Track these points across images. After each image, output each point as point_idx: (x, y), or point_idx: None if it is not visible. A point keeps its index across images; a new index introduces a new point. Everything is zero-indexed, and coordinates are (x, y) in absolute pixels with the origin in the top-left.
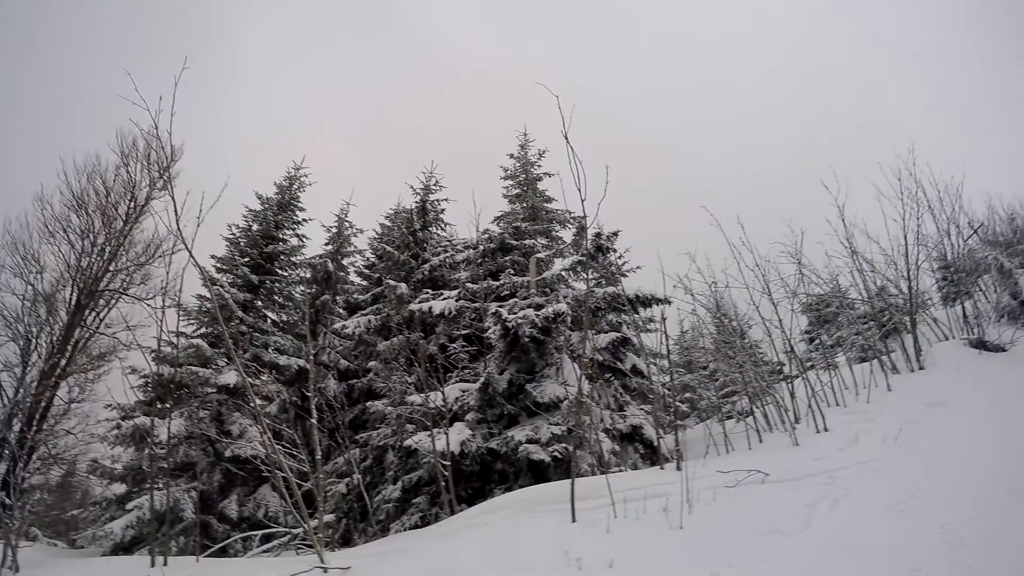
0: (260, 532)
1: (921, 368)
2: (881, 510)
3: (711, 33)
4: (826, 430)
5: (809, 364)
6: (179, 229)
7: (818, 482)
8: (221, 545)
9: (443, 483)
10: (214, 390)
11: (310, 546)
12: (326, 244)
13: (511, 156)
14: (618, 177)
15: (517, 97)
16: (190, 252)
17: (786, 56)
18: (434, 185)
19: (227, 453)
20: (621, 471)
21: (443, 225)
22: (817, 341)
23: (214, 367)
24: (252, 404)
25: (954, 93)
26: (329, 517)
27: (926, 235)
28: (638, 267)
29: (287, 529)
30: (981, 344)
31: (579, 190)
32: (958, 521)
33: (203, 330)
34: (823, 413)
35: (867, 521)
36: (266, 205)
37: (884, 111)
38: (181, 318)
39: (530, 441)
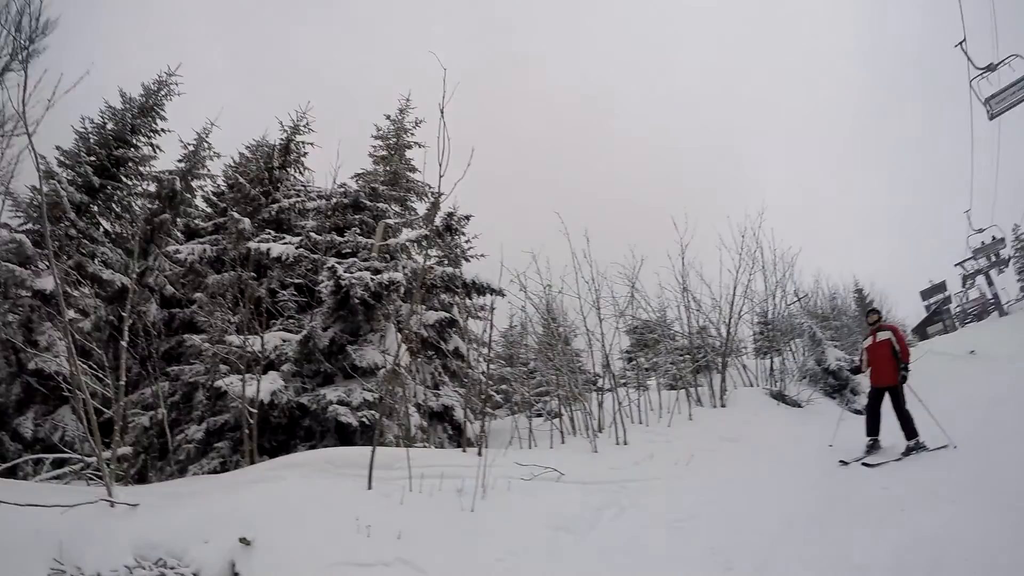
0: (53, 456)
1: (723, 405)
2: (662, 524)
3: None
4: (626, 444)
5: (623, 381)
6: (24, 109)
7: (610, 490)
8: (10, 465)
9: (248, 431)
10: (28, 294)
11: (101, 477)
12: (179, 161)
13: (387, 117)
14: (495, 168)
15: (419, 62)
16: (29, 137)
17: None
18: (304, 126)
19: (31, 365)
20: (425, 447)
21: (302, 169)
22: (634, 362)
23: (33, 268)
24: (64, 316)
25: (814, 173)
26: (126, 450)
27: (754, 291)
28: (482, 255)
29: (81, 457)
30: (780, 396)
31: (440, 164)
32: (730, 546)
33: (29, 226)
34: (626, 428)
35: (648, 532)
36: (127, 106)
37: (748, 171)
38: (7, 207)
39: (341, 403)
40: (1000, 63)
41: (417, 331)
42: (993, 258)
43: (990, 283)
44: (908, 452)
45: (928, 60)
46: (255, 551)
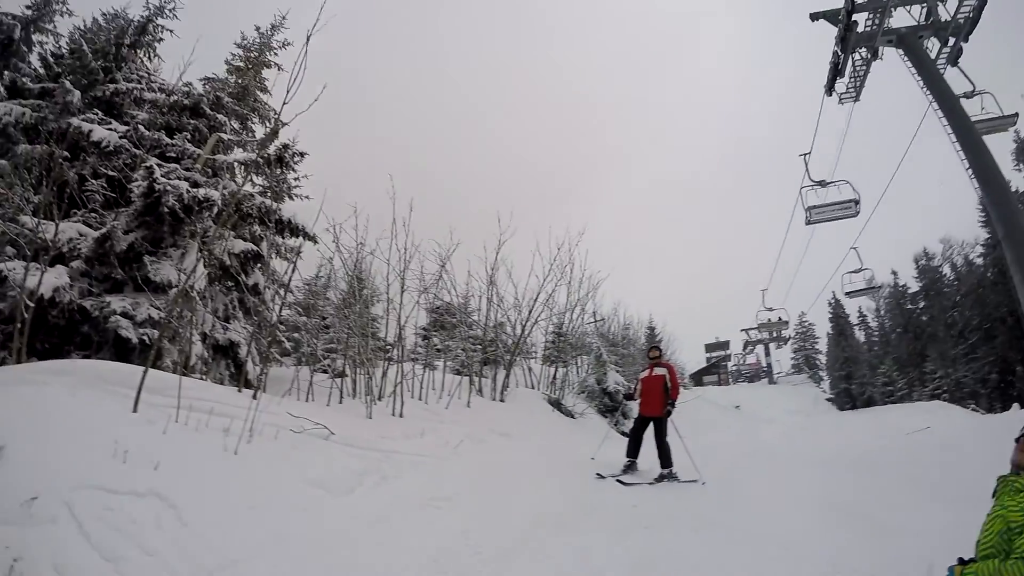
0: None
1: (502, 400)
2: (421, 501)
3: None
4: (401, 416)
5: (413, 356)
6: None
7: (375, 457)
8: None
9: (20, 326)
10: None
11: None
12: (28, 7)
13: (257, 29)
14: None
15: None
16: None
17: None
18: (169, 10)
19: None
20: (203, 380)
21: (152, 55)
22: (428, 340)
23: None
24: None
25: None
26: None
27: (556, 302)
28: (307, 197)
29: None
30: (557, 404)
31: (288, 91)
32: (482, 532)
33: None
34: (404, 402)
35: (406, 504)
36: None
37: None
38: None
39: (125, 315)
40: (831, 182)
41: (220, 257)
42: (775, 334)
43: (767, 353)
44: (661, 479)
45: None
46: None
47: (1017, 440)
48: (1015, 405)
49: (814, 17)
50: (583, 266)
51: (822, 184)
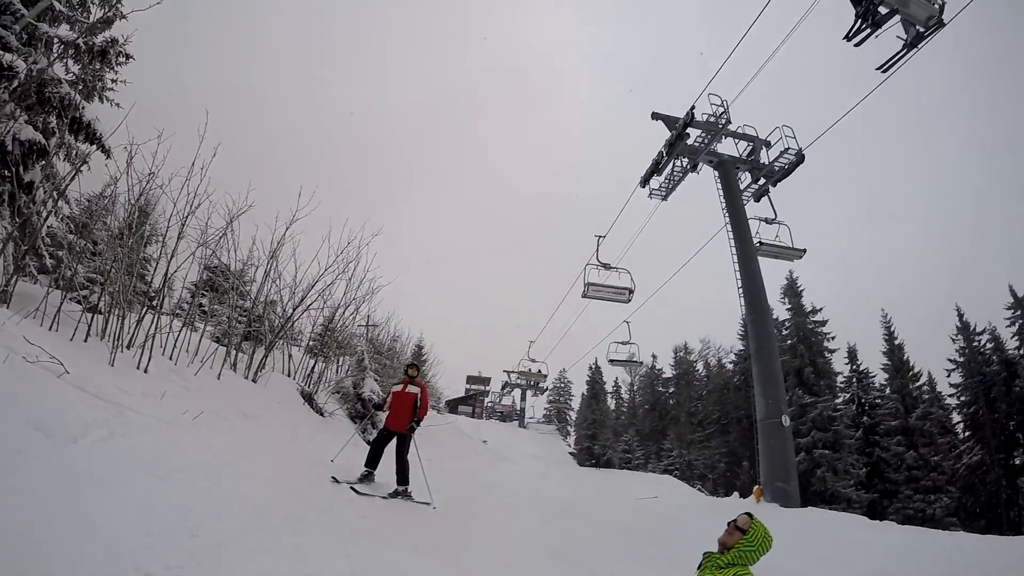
0: None
1: (254, 381)
2: (146, 468)
3: None
4: (146, 372)
5: (177, 311)
6: None
7: (107, 408)
8: None
9: None
10: None
11: None
12: None
13: None
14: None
15: None
16: None
17: None
18: None
19: None
20: None
21: None
22: (196, 299)
23: None
24: None
25: None
26: None
27: (332, 295)
28: (118, 104)
29: None
30: (309, 399)
31: None
32: (202, 515)
33: None
34: (152, 356)
35: (127, 470)
36: None
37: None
38: None
39: None
40: (614, 267)
41: (3, 137)
42: (534, 383)
43: (523, 398)
44: (395, 495)
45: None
46: None
47: (729, 524)
48: (736, 493)
49: (655, 117)
50: (367, 267)
51: (606, 267)
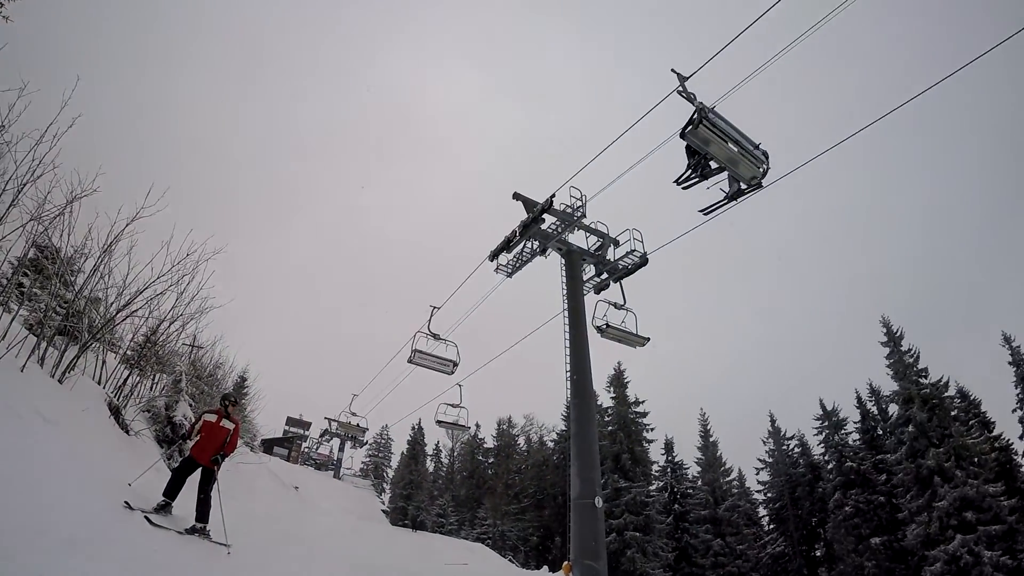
0: None
1: (60, 381)
2: None
3: None
4: None
5: None
6: None
7: None
8: None
9: None
10: None
11: None
12: None
13: None
14: None
15: None
16: None
17: None
18: None
19: None
20: None
21: None
22: (16, 275)
23: None
24: None
25: None
26: None
27: (160, 306)
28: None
29: None
30: (116, 412)
31: None
32: None
33: None
34: None
35: None
36: None
37: None
38: None
39: None
40: (442, 339)
41: None
42: (354, 436)
43: (341, 449)
44: (192, 531)
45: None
46: None
47: None
48: (546, 567)
49: (516, 197)
50: (202, 283)
51: (435, 337)
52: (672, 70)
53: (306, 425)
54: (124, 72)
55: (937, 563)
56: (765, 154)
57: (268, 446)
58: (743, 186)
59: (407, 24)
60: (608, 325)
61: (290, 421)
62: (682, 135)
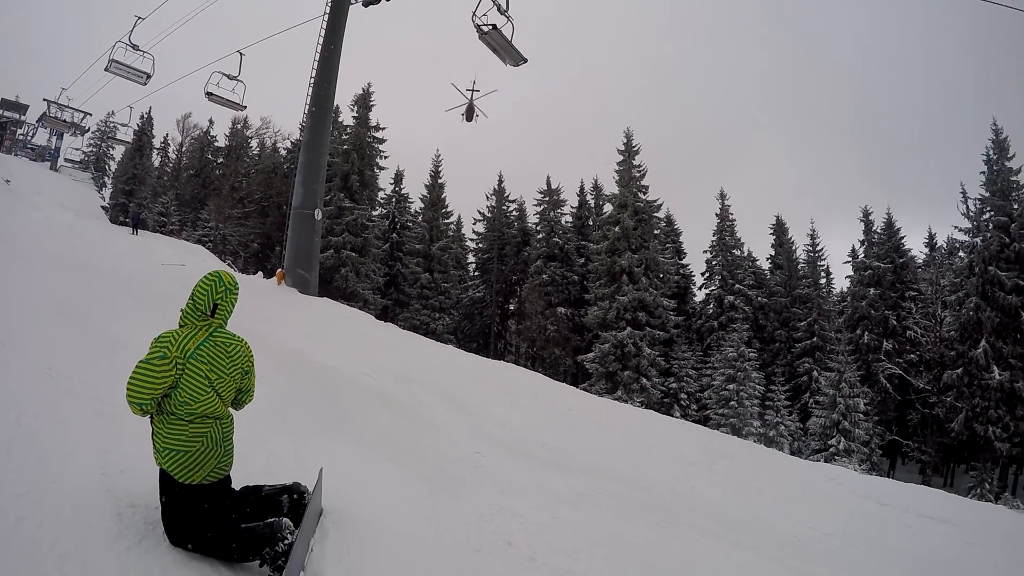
0: None
1: None
2: None
3: None
4: None
5: None
6: None
7: None
8: None
9: None
10: None
11: None
12: None
13: None
14: None
15: None
16: None
17: None
18: None
19: None
20: None
21: None
22: None
23: None
24: None
25: None
26: None
27: None
28: None
29: None
30: None
31: None
32: None
33: None
34: None
35: None
36: None
37: None
38: None
39: None
40: (143, 51)
41: None
42: (78, 122)
43: (60, 137)
44: None
45: None
46: None
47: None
48: (261, 273)
49: None
50: None
51: (135, 48)
52: None
53: (23, 108)
54: None
55: (607, 344)
56: None
57: None
58: None
59: None
60: (495, 27)
61: (5, 104)
62: None
